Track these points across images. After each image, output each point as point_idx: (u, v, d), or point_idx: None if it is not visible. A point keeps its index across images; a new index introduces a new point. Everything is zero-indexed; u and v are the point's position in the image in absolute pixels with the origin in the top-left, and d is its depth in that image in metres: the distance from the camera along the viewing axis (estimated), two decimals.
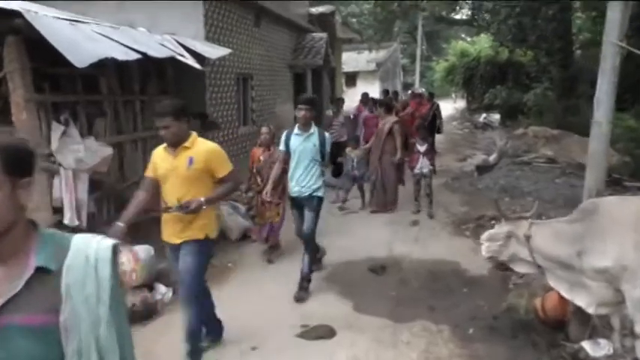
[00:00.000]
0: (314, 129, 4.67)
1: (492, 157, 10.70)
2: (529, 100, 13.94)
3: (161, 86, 6.45)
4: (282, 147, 4.81)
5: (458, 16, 20.51)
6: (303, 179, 4.65)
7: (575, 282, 3.26)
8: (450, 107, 28.26)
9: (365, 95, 11.00)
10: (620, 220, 3.11)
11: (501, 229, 3.54)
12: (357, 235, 6.60)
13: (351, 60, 28.65)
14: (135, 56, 4.54)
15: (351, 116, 10.21)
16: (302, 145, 4.65)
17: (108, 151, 5.06)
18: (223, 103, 7.76)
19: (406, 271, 5.40)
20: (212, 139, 7.62)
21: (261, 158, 5.70)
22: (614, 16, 3.33)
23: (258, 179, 5.73)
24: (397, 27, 22.42)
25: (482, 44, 23.15)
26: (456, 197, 8.81)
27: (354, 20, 24.70)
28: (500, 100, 15.41)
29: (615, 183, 8.92)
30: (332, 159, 8.58)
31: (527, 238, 3.37)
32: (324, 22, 14.13)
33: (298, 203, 4.80)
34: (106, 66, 5.09)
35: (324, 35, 12.69)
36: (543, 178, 9.23)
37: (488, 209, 7.90)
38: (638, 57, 4.17)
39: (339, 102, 10.30)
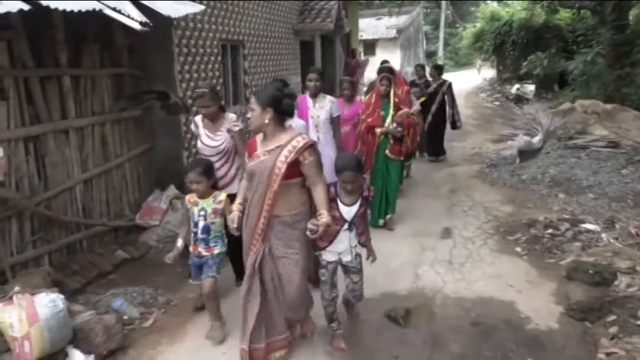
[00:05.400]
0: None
1: (537, 139, 8.86)
2: (577, 68, 11.87)
3: (106, 56, 4.81)
4: None
5: None
6: None
7: None
8: (475, 77, 26.08)
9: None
10: None
11: None
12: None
13: (370, 27, 26.55)
14: (17, 6, 2.90)
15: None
16: None
17: None
18: (202, 78, 6.07)
19: (439, 321, 3.77)
20: (188, 125, 5.94)
21: None
22: None
23: None
24: None
25: (514, 7, 20.93)
26: (496, 192, 7.11)
27: None
28: (541, 68, 13.30)
29: None
30: None
31: None
32: None
33: None
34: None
35: None
36: (605, 168, 7.43)
37: (540, 210, 6.22)
38: None
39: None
